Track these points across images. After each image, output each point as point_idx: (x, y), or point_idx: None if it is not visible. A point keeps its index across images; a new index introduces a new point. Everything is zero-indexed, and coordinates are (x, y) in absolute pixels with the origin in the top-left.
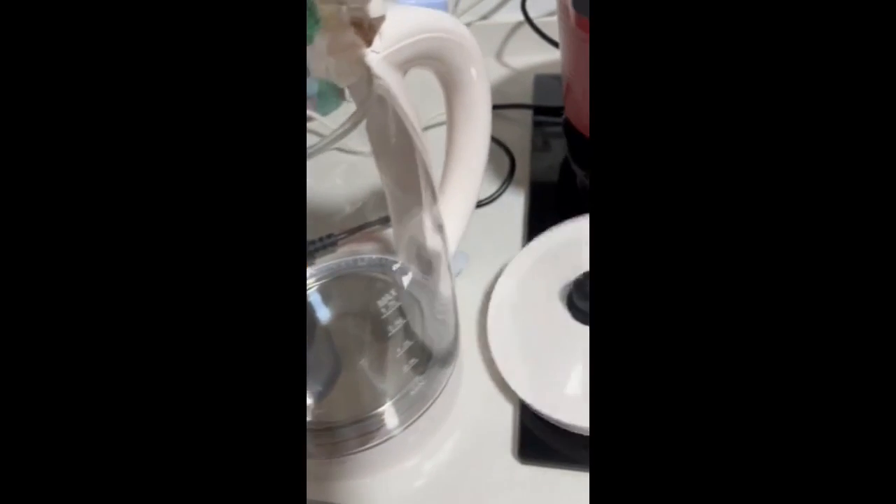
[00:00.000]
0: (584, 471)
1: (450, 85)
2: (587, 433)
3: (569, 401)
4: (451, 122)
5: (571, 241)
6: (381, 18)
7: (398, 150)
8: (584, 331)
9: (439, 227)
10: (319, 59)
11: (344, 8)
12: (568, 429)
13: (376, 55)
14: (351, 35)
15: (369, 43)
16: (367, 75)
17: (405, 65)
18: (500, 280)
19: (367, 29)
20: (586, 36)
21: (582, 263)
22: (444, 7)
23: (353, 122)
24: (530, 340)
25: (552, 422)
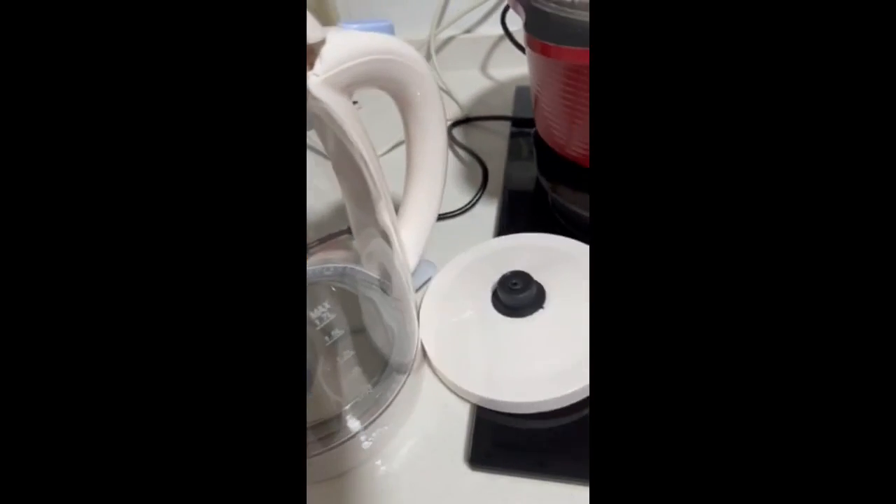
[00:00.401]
0: (531, 478)
1: (403, 104)
2: (504, 410)
3: (494, 381)
4: (408, 140)
5: (509, 247)
6: (321, 43)
7: (344, 167)
8: (505, 321)
9: (396, 241)
10: None
11: None
12: (488, 406)
13: (316, 78)
14: None
15: (310, 66)
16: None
17: (350, 87)
18: (435, 280)
19: (307, 52)
20: (540, 56)
21: (513, 266)
22: (389, 30)
23: None
24: (457, 330)
25: (473, 400)
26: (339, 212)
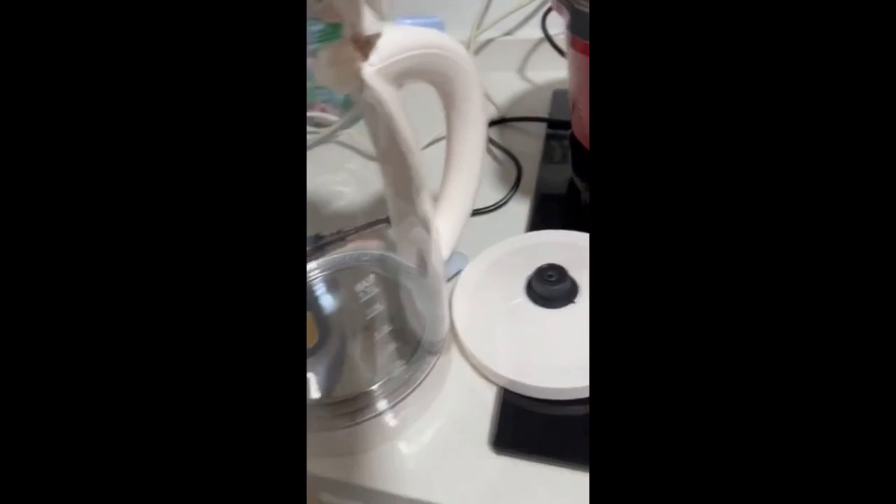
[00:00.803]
0: (553, 465)
1: (447, 97)
2: (531, 395)
3: (522, 365)
4: (449, 133)
5: (541, 243)
6: (377, 35)
7: (390, 156)
8: (537, 310)
9: (432, 230)
10: (322, 70)
11: (345, 24)
12: (515, 389)
13: (371, 68)
14: (350, 50)
15: (366, 57)
16: (360, 85)
17: (400, 78)
18: (468, 267)
19: (364, 44)
20: (583, 57)
21: (544, 260)
22: (439, 27)
23: (346, 121)
24: (488, 315)
25: (500, 382)
26: (378, 202)
